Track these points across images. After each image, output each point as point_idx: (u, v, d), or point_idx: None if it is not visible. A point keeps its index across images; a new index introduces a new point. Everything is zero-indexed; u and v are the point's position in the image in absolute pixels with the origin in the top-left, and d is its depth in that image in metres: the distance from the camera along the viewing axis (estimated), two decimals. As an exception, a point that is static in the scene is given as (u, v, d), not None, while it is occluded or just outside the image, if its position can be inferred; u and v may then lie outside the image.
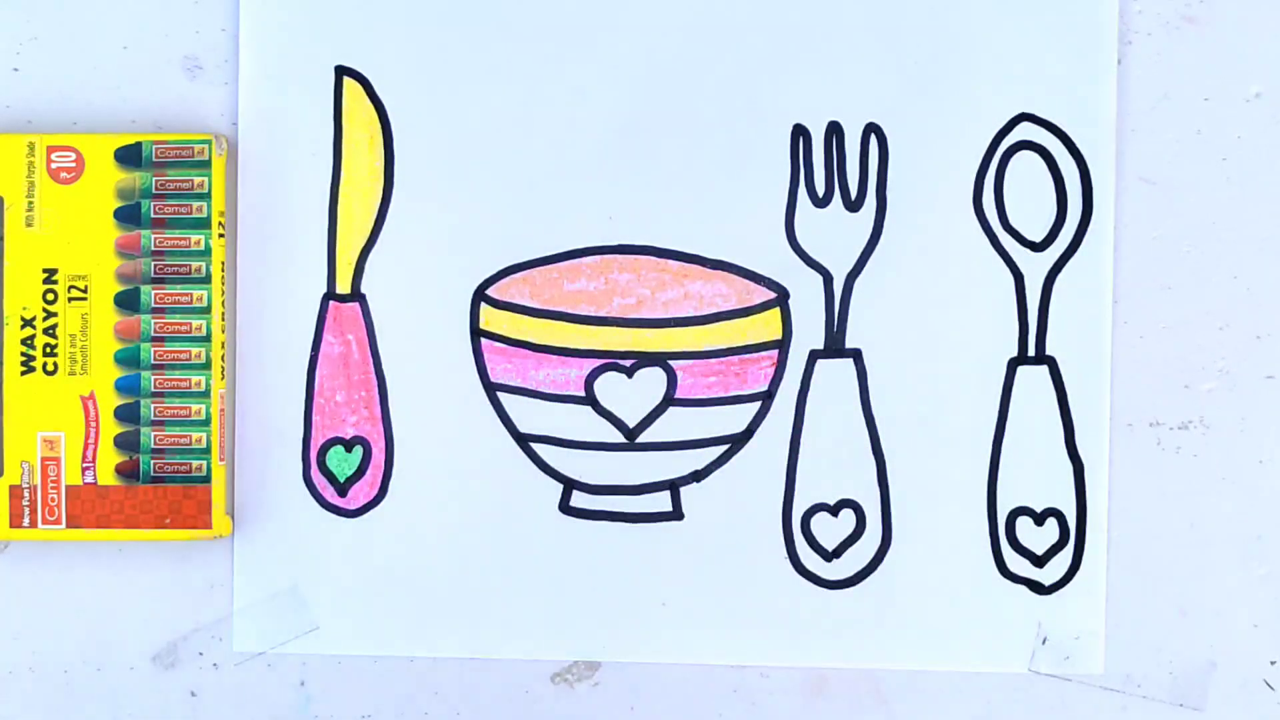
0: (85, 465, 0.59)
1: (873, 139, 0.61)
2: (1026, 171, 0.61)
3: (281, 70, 0.61)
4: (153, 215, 0.59)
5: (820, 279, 0.61)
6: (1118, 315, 0.61)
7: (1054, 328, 0.61)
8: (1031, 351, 0.61)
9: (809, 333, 0.61)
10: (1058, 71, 0.60)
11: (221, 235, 0.60)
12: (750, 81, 0.61)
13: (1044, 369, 0.61)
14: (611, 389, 0.61)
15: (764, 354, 0.61)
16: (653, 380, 0.61)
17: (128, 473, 0.59)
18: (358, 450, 0.61)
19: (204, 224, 0.60)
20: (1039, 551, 0.61)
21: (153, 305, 0.59)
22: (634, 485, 0.61)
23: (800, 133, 0.61)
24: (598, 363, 0.61)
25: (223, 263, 0.60)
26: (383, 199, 0.61)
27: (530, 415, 0.61)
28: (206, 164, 0.59)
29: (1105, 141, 0.60)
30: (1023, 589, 0.61)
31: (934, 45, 0.60)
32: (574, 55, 0.61)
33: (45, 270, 0.59)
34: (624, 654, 0.61)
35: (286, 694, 0.62)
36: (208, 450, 0.59)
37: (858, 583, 0.61)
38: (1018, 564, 0.61)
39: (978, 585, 0.61)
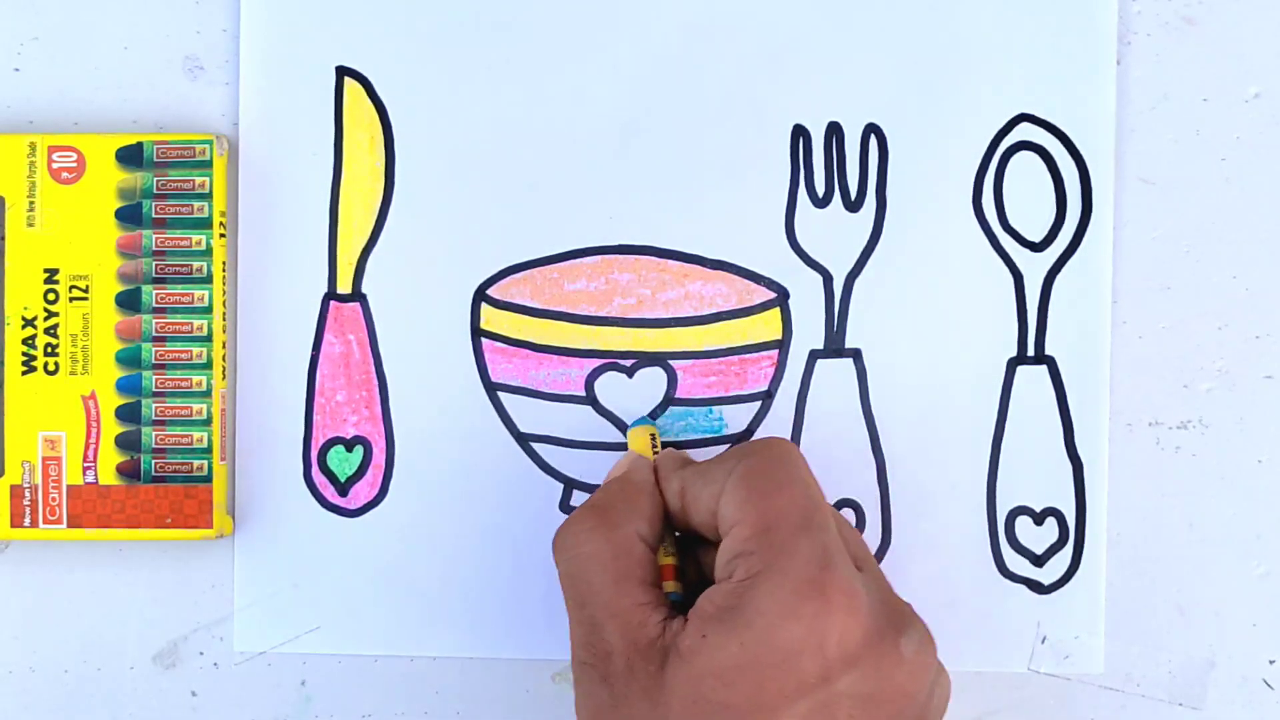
0: (86, 465, 0.59)
1: (873, 139, 0.61)
2: (1026, 172, 0.61)
3: (282, 70, 0.61)
4: (154, 215, 0.60)
5: (820, 279, 0.61)
6: (1117, 315, 0.61)
7: (1053, 328, 0.61)
8: (1031, 351, 0.61)
9: (809, 333, 0.61)
10: (1057, 72, 0.60)
11: (223, 235, 0.60)
12: (750, 81, 0.61)
13: (1043, 369, 0.61)
14: (612, 389, 0.61)
15: (764, 354, 0.61)
16: (653, 380, 0.61)
17: (129, 472, 0.59)
18: (358, 450, 0.61)
19: (205, 224, 0.60)
20: (1038, 551, 0.61)
21: (154, 305, 0.59)
22: (634, 485, 0.61)
23: (800, 133, 0.61)
24: (598, 363, 0.61)
25: (224, 263, 0.60)
26: (383, 199, 0.61)
27: (531, 415, 0.61)
28: (208, 164, 0.59)
29: (1104, 142, 0.61)
30: (1022, 588, 0.61)
31: (934, 45, 0.60)
32: (574, 55, 0.61)
33: (46, 270, 0.59)
34: (624, 654, 0.61)
35: (286, 694, 0.62)
36: (209, 450, 0.60)
37: (858, 582, 0.61)
38: (1017, 563, 0.61)
39: (977, 585, 0.61)
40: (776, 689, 0.50)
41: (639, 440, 0.59)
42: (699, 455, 0.61)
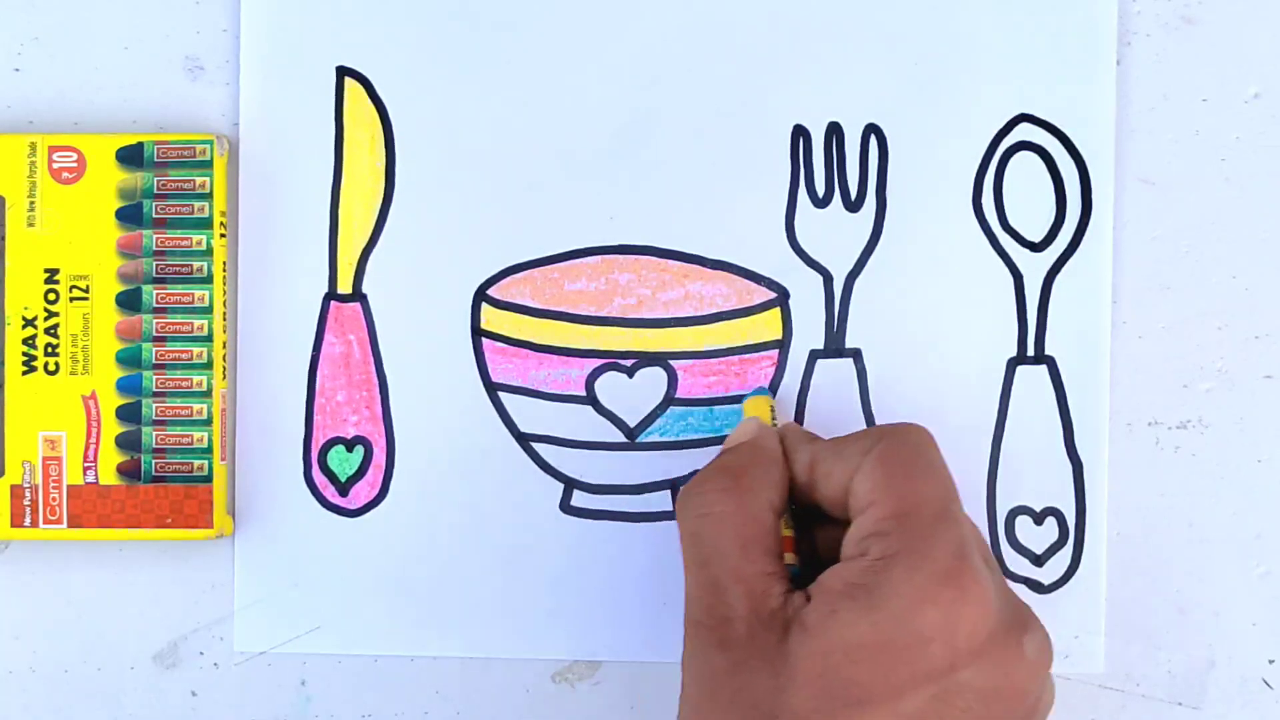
0: (87, 465, 0.59)
1: (873, 139, 0.61)
2: (1026, 172, 0.61)
3: (282, 70, 0.61)
4: (154, 215, 0.60)
5: (820, 279, 0.61)
6: (1116, 315, 0.61)
7: (1053, 328, 0.61)
8: (1031, 351, 0.61)
9: (809, 333, 0.61)
10: (1057, 72, 0.60)
11: (223, 235, 0.60)
12: (750, 81, 0.61)
13: (1043, 369, 0.61)
14: (612, 389, 0.61)
15: (764, 354, 0.61)
16: (653, 380, 0.61)
17: (129, 472, 0.59)
18: (359, 450, 0.61)
19: (205, 224, 0.60)
20: (1038, 551, 0.61)
21: (154, 305, 0.59)
22: (634, 485, 0.61)
23: (800, 133, 0.61)
24: (598, 362, 0.61)
25: (224, 263, 0.60)
26: (384, 199, 0.61)
27: (531, 415, 0.61)
28: (208, 164, 0.59)
29: (1104, 142, 0.61)
30: (1022, 588, 0.61)
31: (934, 45, 0.61)
32: (574, 55, 0.61)
33: (47, 270, 0.59)
34: (624, 654, 0.61)
35: (287, 694, 0.62)
36: (209, 450, 0.60)
37: (858, 582, 0.61)
38: (1017, 563, 0.61)
39: (977, 584, 0.61)
40: (906, 672, 0.50)
41: (760, 408, 0.58)
42: (699, 455, 0.61)
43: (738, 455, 0.56)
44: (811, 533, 0.56)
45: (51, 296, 0.59)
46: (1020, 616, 0.52)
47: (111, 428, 0.59)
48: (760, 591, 0.52)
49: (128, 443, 0.59)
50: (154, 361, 0.60)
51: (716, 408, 0.61)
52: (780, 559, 0.54)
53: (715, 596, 0.53)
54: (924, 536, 0.51)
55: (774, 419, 0.58)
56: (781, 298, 0.61)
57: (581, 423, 0.61)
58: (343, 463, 0.61)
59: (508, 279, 0.61)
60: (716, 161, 0.61)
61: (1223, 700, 0.61)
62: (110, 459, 0.59)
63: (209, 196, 0.60)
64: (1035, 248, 0.61)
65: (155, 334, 0.60)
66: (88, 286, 0.59)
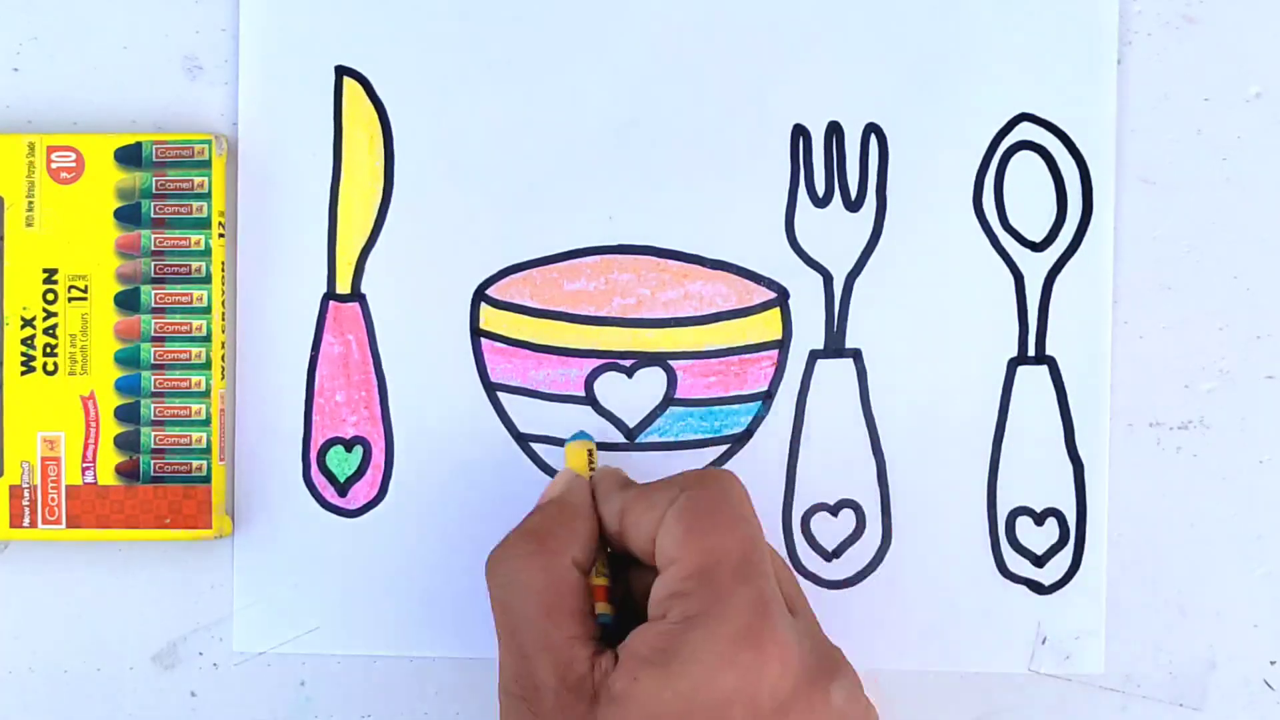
0: (85, 465, 0.59)
1: (873, 139, 0.61)
2: (1026, 171, 0.61)
3: (281, 70, 0.61)
4: (153, 215, 0.59)
5: (820, 279, 0.61)
6: (1117, 315, 0.61)
7: (1054, 328, 0.61)
8: (1031, 351, 0.61)
9: (809, 333, 0.61)
10: (1058, 71, 0.60)
11: (221, 235, 0.60)
12: (750, 81, 0.61)
13: (1044, 369, 0.61)
14: (611, 389, 0.61)
15: (764, 354, 0.61)
16: (653, 380, 0.61)
17: (128, 473, 0.59)
18: (358, 450, 0.61)
19: (204, 224, 0.60)
20: (1039, 551, 0.61)
21: (153, 305, 0.59)
22: (634, 485, 0.61)
23: (800, 133, 0.61)
24: (598, 363, 0.61)
25: (223, 263, 0.60)
26: (383, 199, 0.61)
27: (530, 415, 0.61)
28: (206, 164, 0.59)
29: (1105, 141, 0.60)
30: (1022, 589, 0.61)
31: (934, 45, 0.60)
32: (574, 55, 0.61)
33: (45, 270, 0.59)
34: (624, 654, 0.61)
35: (286, 694, 0.62)
36: (208, 450, 0.59)
37: (858, 583, 0.61)
38: (1017, 564, 0.61)
39: (977, 585, 0.61)
40: None
41: (576, 456, 0.58)
42: (699, 455, 0.61)
43: (543, 516, 0.55)
44: (628, 575, 0.56)
45: (50, 296, 0.59)
46: (827, 665, 0.51)
47: (110, 428, 0.59)
48: (567, 659, 0.52)
49: (126, 443, 0.59)
50: (152, 362, 0.59)
51: (716, 408, 0.61)
52: (589, 618, 0.53)
53: (524, 665, 0.52)
54: (722, 596, 0.50)
55: (592, 465, 0.58)
56: (781, 298, 0.61)
57: (581, 423, 0.61)
58: (341, 463, 0.61)
59: (507, 279, 0.61)
60: (716, 161, 0.61)
61: (1224, 701, 0.61)
62: (109, 459, 0.59)
63: (207, 196, 0.60)
64: (1036, 247, 0.61)
65: (154, 334, 0.59)
66: (86, 286, 0.59)
